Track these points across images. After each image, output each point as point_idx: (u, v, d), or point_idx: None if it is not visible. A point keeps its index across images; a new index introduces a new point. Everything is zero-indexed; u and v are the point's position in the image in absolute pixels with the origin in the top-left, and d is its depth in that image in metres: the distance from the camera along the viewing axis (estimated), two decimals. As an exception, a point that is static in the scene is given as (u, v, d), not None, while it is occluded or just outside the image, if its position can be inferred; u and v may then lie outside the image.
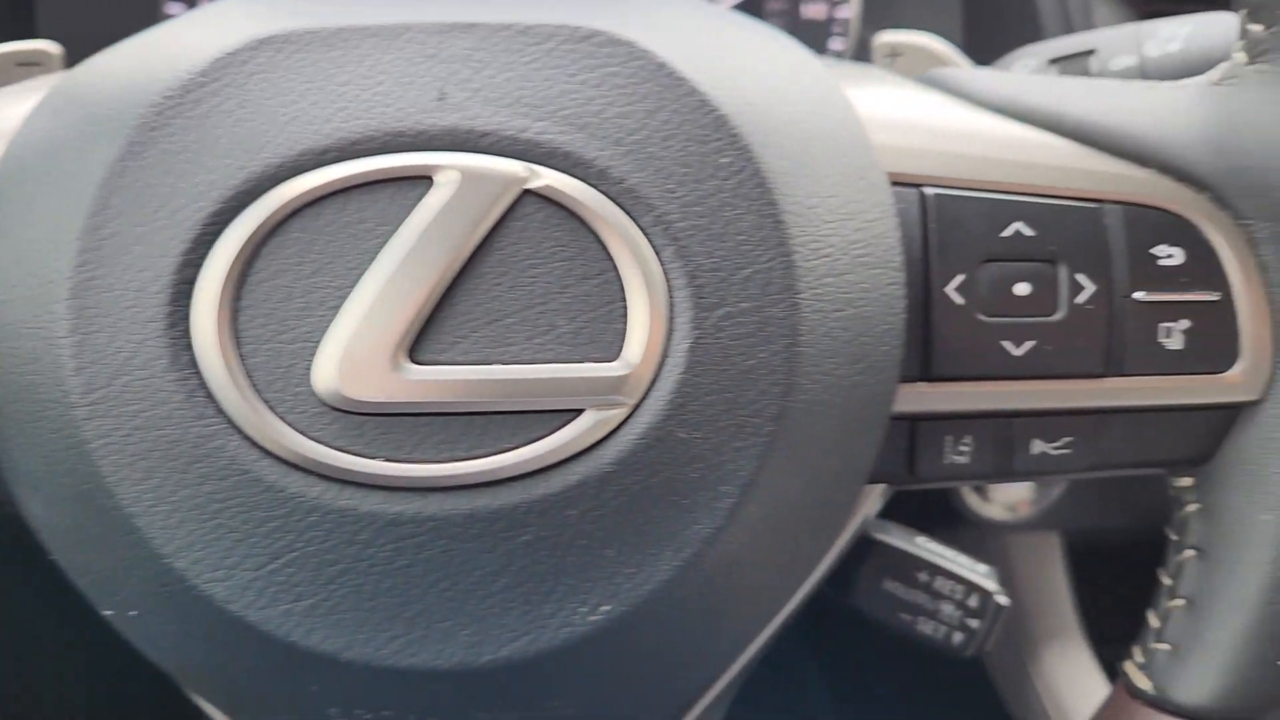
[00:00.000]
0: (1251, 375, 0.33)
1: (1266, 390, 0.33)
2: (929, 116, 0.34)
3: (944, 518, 0.72)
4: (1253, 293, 0.33)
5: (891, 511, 0.42)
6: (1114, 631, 0.78)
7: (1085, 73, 0.46)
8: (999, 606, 0.43)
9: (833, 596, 0.45)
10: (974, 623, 0.43)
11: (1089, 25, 0.62)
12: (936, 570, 0.43)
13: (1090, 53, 0.46)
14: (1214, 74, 0.35)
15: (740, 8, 0.73)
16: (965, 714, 0.86)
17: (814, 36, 0.75)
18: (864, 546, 0.45)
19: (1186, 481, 0.36)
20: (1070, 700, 0.74)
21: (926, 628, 0.43)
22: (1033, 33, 0.61)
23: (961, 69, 0.39)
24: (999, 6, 0.64)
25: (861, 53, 0.75)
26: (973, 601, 0.43)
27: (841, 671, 0.90)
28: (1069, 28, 0.59)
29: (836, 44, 0.75)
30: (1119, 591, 0.79)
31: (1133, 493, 0.69)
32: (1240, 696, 0.34)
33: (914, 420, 0.33)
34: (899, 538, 0.44)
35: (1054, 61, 0.48)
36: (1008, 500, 0.68)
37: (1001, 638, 0.79)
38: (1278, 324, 0.33)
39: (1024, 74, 0.47)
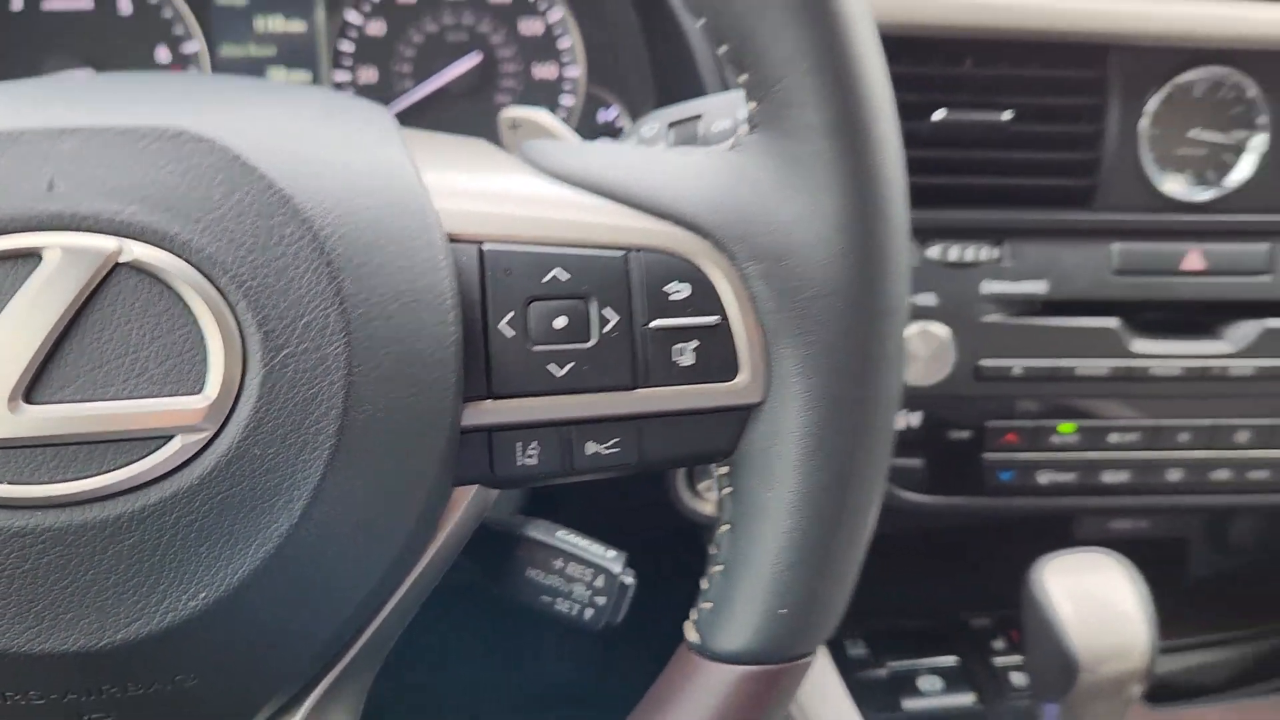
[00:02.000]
0: (752, 383, 0.42)
1: (765, 394, 0.42)
2: (492, 185, 0.43)
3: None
4: (746, 317, 0.42)
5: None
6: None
7: (695, 135, 0.55)
8: (623, 585, 0.51)
9: (489, 587, 0.53)
10: (601, 600, 0.51)
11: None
12: (570, 558, 0.51)
13: (698, 117, 0.56)
14: (730, 141, 0.44)
15: (479, 69, 0.82)
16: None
17: (547, 94, 0.83)
18: (512, 541, 0.53)
19: (723, 470, 0.44)
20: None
21: (563, 606, 0.51)
22: (696, 93, 0.70)
23: (545, 142, 0.47)
24: (679, 71, 0.74)
25: (589, 105, 0.84)
26: (599, 582, 0.51)
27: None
28: (724, 89, 0.68)
29: (567, 100, 0.83)
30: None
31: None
32: (759, 642, 0.43)
33: (489, 431, 0.41)
34: (541, 532, 0.52)
35: (672, 125, 0.57)
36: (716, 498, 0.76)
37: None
38: (768, 342, 0.42)
39: (643, 135, 0.56)
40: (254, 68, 0.81)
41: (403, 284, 0.38)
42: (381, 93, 0.81)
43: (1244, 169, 0.72)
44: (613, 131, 0.84)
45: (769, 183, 0.42)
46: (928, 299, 0.71)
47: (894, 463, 0.77)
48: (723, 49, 0.42)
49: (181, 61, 0.80)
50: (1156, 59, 0.71)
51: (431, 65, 0.81)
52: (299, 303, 0.36)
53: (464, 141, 0.48)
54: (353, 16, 0.80)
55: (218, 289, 0.36)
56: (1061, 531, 0.94)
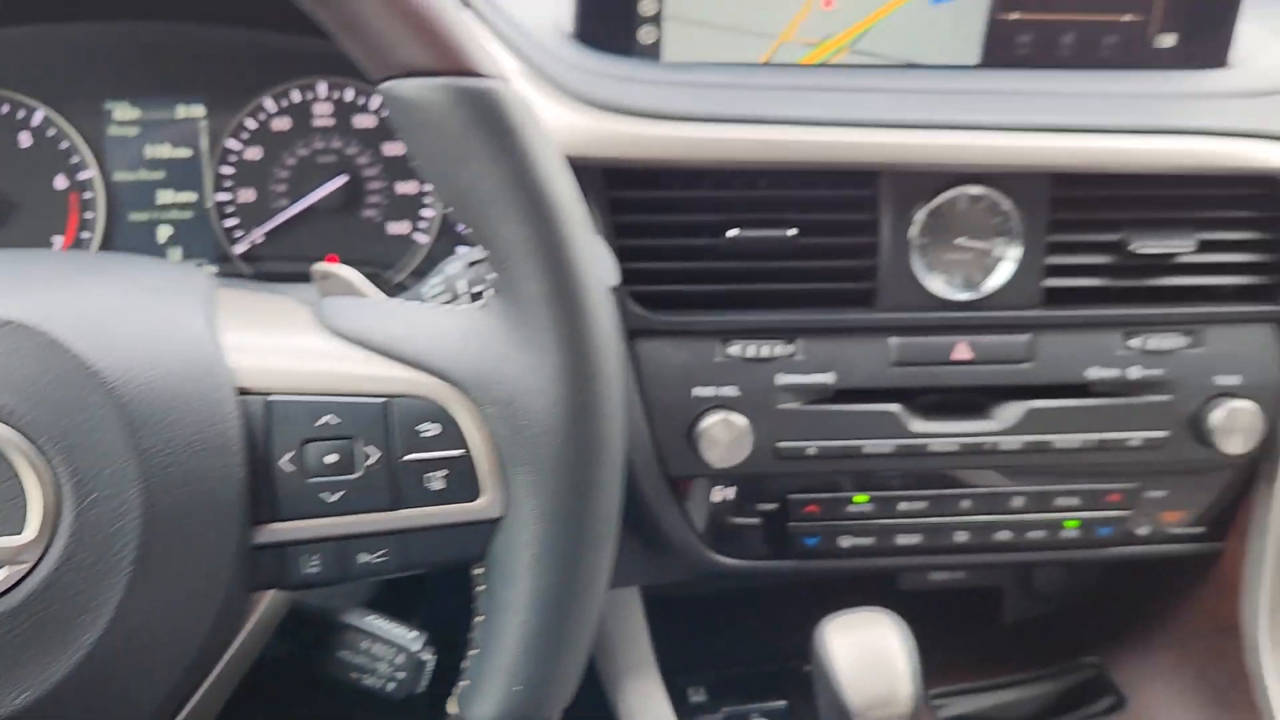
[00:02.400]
0: (492, 502, 0.52)
1: (504, 511, 0.52)
2: (282, 343, 0.53)
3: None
4: (486, 450, 0.52)
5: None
6: (679, 665, 0.98)
7: (483, 273, 0.65)
8: (420, 661, 0.61)
9: (308, 670, 0.63)
10: (402, 674, 0.60)
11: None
12: (376, 639, 0.61)
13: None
14: (482, 301, 0.54)
15: (346, 188, 0.92)
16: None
17: (409, 208, 0.94)
18: (327, 627, 0.62)
19: (478, 571, 0.54)
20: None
21: (370, 681, 0.61)
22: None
23: (337, 300, 0.57)
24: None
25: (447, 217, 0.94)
26: (400, 660, 0.60)
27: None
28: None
29: (427, 212, 0.94)
30: (685, 632, 0.98)
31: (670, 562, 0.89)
32: (502, 714, 0.53)
33: (278, 547, 0.51)
34: (353, 618, 0.62)
35: (471, 264, 0.67)
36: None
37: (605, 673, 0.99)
38: (504, 469, 0.52)
39: (447, 272, 0.66)
40: (145, 190, 0.90)
41: (195, 435, 0.48)
42: (259, 210, 0.91)
43: (1003, 272, 0.83)
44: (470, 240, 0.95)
45: (504, 339, 0.52)
46: (730, 391, 0.82)
47: (714, 531, 0.88)
48: (466, 230, 0.52)
49: (78, 188, 0.89)
50: (922, 180, 0.82)
51: (304, 186, 0.91)
52: (104, 456, 0.46)
53: (272, 300, 0.58)
54: (232, 144, 0.90)
55: (37, 448, 0.46)
56: (889, 583, 1.04)
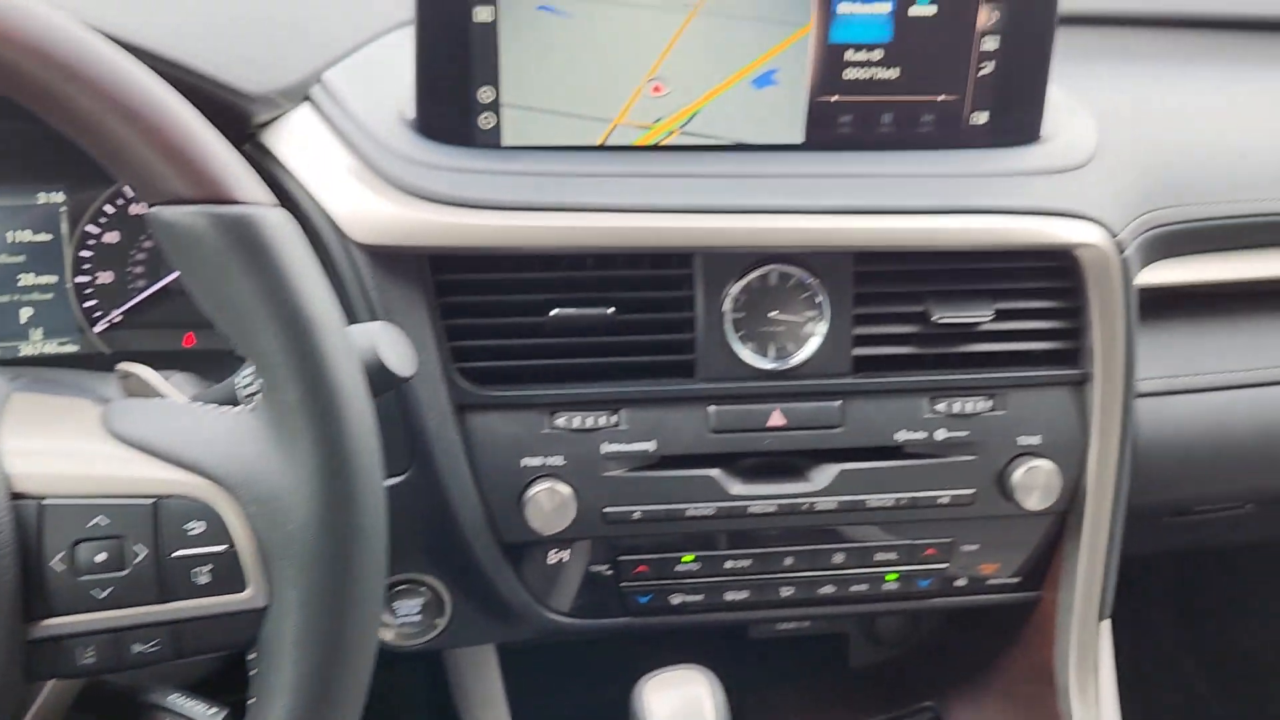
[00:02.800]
0: (257, 592, 0.57)
1: (269, 600, 0.57)
2: (61, 447, 0.57)
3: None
4: (250, 544, 0.56)
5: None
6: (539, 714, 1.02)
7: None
8: (219, 737, 0.65)
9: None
10: (198, 750, 0.65)
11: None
12: (177, 716, 0.65)
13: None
14: (252, 404, 0.59)
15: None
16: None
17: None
18: (131, 706, 0.66)
19: (251, 656, 0.59)
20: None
21: (171, 754, 0.65)
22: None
23: (123, 403, 0.62)
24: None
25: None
26: (199, 737, 0.65)
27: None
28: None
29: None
30: (539, 682, 1.03)
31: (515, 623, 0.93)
32: None
33: (55, 639, 0.55)
34: (156, 695, 0.66)
35: (248, 372, 0.71)
36: (401, 632, 0.91)
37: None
38: (266, 562, 0.56)
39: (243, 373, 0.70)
40: (7, 273, 0.95)
41: (-35, 540, 0.52)
42: (117, 291, 0.96)
43: (813, 344, 0.89)
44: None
45: (267, 441, 0.56)
46: (557, 460, 0.87)
47: (552, 593, 0.92)
48: (230, 343, 0.57)
49: (-60, 271, 0.93)
50: (734, 259, 0.87)
51: (160, 267, 0.95)
52: None
53: (63, 404, 0.62)
54: (91, 228, 0.95)
55: None
56: (741, 631, 1.09)
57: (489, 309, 0.86)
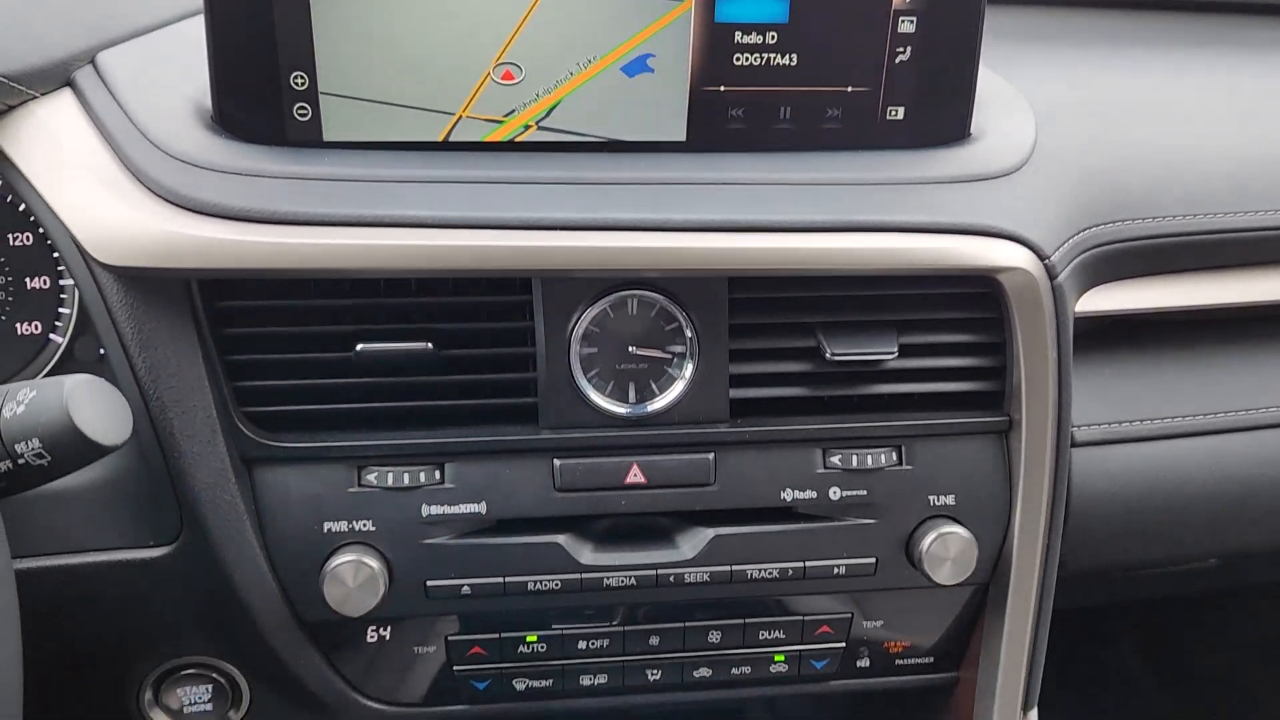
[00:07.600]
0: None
1: None
2: None
3: None
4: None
5: None
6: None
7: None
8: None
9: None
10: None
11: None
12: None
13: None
14: None
15: None
16: None
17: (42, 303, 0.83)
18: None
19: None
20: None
21: None
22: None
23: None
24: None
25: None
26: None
27: None
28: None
29: (64, 310, 0.83)
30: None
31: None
32: None
33: None
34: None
35: None
36: None
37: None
38: None
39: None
40: None
41: None
42: None
43: (679, 385, 0.74)
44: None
45: None
46: (365, 525, 0.72)
47: (372, 680, 0.77)
48: None
49: None
50: (583, 285, 0.72)
51: None
52: None
53: None
54: None
55: None
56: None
57: (279, 342, 0.71)
